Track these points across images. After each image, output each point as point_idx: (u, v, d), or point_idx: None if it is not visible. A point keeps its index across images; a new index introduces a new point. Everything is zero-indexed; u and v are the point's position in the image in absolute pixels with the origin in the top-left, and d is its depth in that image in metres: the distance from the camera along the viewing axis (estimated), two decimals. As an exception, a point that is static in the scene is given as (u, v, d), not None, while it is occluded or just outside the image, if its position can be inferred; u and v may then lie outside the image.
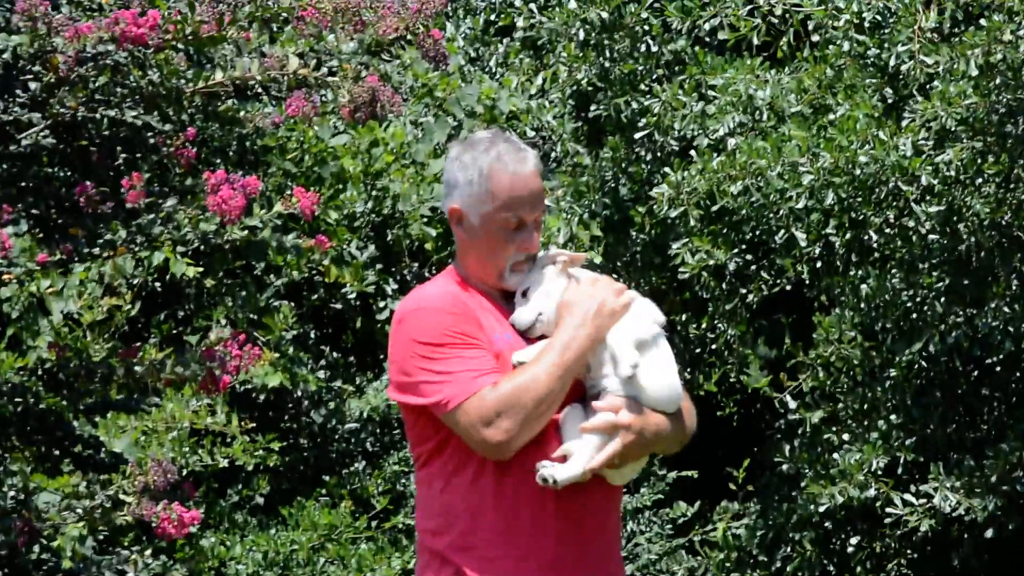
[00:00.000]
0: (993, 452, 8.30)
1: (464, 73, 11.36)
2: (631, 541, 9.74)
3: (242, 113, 6.88)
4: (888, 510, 8.44)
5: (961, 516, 8.32)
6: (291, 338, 9.87)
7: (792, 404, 9.33)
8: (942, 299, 8.49)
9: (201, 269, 6.39)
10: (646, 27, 8.95)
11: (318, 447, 10.22)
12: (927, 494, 8.36)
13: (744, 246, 8.89)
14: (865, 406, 8.98)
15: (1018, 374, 8.85)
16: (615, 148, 9.47)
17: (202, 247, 6.43)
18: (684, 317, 9.84)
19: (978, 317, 8.30)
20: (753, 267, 9.13)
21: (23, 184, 6.73)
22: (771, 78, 8.46)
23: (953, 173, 7.94)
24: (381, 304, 10.47)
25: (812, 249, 8.69)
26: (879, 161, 7.81)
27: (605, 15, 8.77)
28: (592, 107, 9.43)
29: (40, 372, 6.47)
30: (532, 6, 9.32)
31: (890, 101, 8.28)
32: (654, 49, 9.09)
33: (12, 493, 6.65)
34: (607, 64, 9.12)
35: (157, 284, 7.98)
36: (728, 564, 9.82)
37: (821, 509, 8.66)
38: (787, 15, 8.76)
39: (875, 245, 8.53)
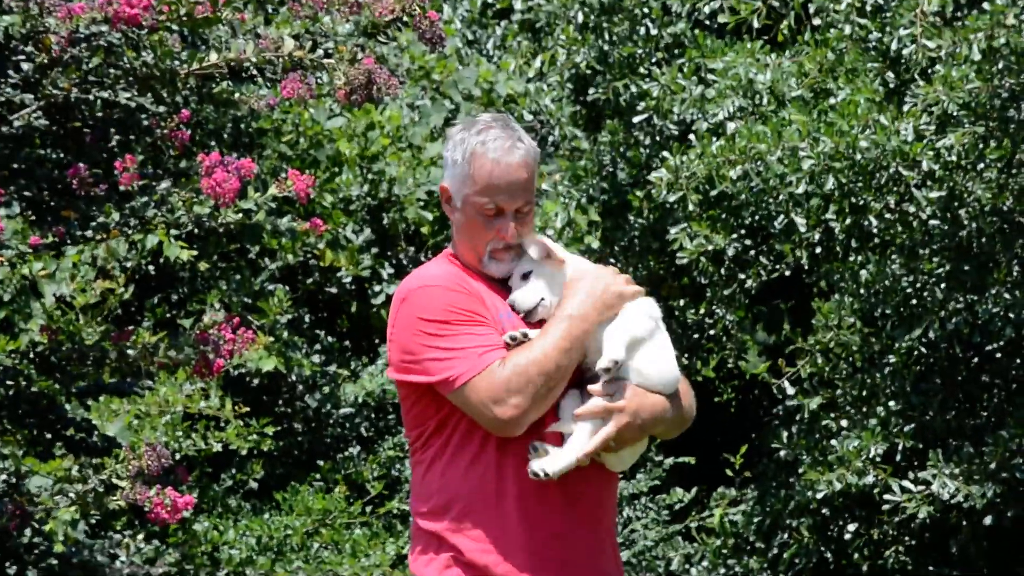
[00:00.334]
0: (992, 439, 8.28)
1: (461, 56, 11.31)
2: (627, 527, 9.72)
3: (237, 95, 6.83)
4: (886, 497, 8.42)
5: (960, 503, 8.30)
6: (286, 322, 9.84)
7: (790, 390, 9.31)
8: (942, 285, 8.46)
9: (195, 252, 6.35)
10: (645, 9, 8.92)
11: (312, 432, 10.19)
12: (926, 481, 8.34)
13: (743, 231, 8.86)
14: (864, 392, 8.97)
15: (1018, 361, 8.82)
16: (614, 132, 9.43)
17: (196, 230, 6.40)
18: (682, 302, 9.81)
19: (978, 303, 8.28)
20: (752, 252, 9.10)
21: (15, 166, 6.69)
22: (771, 62, 8.41)
23: (954, 158, 7.90)
24: (376, 288, 10.43)
25: (812, 234, 8.66)
26: (880, 146, 7.77)
27: (604, -3, 8.74)
28: (591, 90, 9.40)
29: (32, 355, 6.43)
30: (530, -12, 9.28)
31: (891, 85, 8.25)
32: (653, 32, 9.06)
33: (4, 477, 6.63)
34: (606, 47, 9.09)
35: (150, 267, 7.93)
36: (725, 551, 9.80)
37: (819, 496, 8.65)
38: (788, -2, 8.73)
39: (875, 230, 8.50)
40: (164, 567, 8.48)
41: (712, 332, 9.74)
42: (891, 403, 8.78)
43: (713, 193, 8.21)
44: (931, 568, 9.32)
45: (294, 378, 10.12)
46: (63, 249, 6.23)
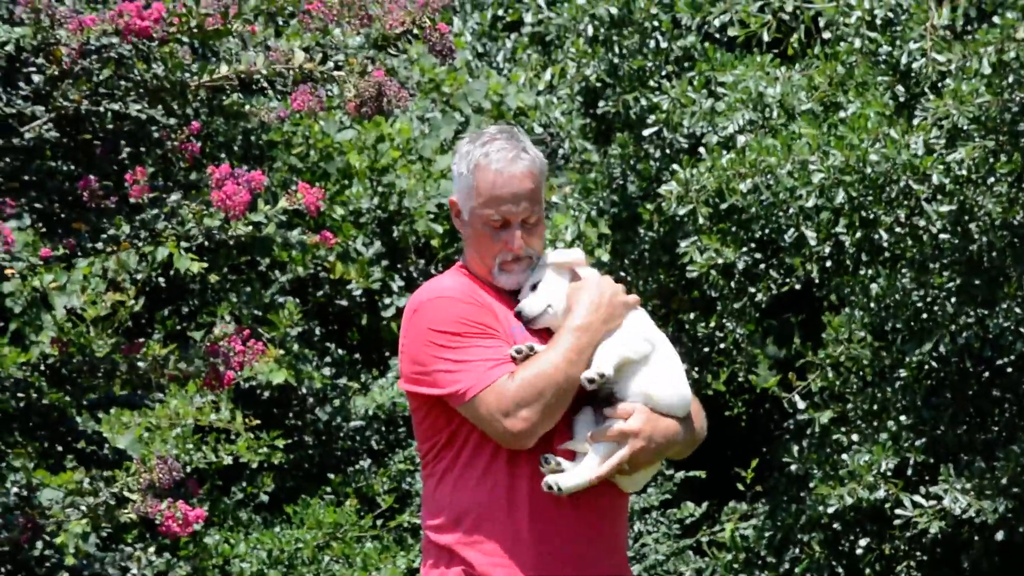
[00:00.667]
0: (1004, 454, 8.26)
1: (471, 68, 11.32)
2: (638, 541, 9.70)
3: (247, 107, 6.85)
4: (897, 512, 8.40)
5: (971, 518, 8.28)
6: (296, 335, 9.83)
7: (801, 404, 9.29)
8: (953, 299, 8.45)
9: (205, 264, 6.36)
10: (655, 23, 8.91)
11: (323, 445, 10.18)
12: (937, 496, 8.32)
13: (753, 244, 8.85)
14: (875, 407, 8.95)
15: (1029, 375, 8.81)
16: (623, 145, 9.43)
17: (206, 242, 6.41)
18: (692, 316, 9.80)
19: (989, 318, 8.26)
20: (762, 266, 9.09)
21: (26, 178, 6.70)
22: (781, 75, 8.41)
23: (965, 172, 7.89)
24: (387, 301, 10.43)
25: (822, 248, 8.66)
26: (890, 160, 7.76)
27: (614, 10, 8.73)
28: (600, 103, 9.40)
29: (43, 367, 6.43)
30: (540, 1, 9.28)
31: (901, 99, 8.24)
32: (663, 45, 9.06)
33: (15, 489, 6.63)
34: (616, 60, 9.09)
35: (161, 279, 7.94)
36: (736, 565, 9.77)
37: (830, 510, 8.62)
38: (798, 11, 8.71)
39: (885, 244, 8.49)
40: (175, 580, 8.48)
41: (722, 346, 9.73)
42: (902, 417, 8.76)
43: (723, 206, 8.21)
44: (942, 583, 9.31)
45: (304, 391, 10.11)
46: (74, 261, 6.24)
